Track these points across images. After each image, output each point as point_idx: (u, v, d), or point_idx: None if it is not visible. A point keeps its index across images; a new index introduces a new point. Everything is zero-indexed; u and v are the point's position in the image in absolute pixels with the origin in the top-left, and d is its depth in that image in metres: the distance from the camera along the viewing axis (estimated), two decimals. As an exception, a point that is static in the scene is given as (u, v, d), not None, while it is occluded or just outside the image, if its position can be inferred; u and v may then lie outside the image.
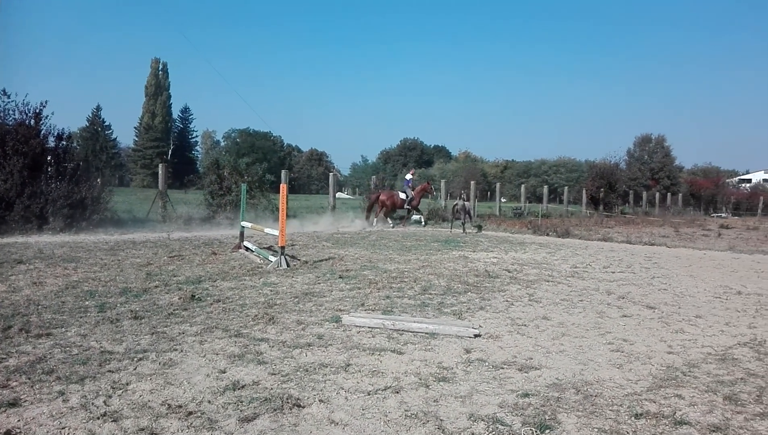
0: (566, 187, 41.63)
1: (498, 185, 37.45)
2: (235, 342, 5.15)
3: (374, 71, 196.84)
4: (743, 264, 12.75)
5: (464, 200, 19.95)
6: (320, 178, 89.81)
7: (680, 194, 52.56)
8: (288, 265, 9.52)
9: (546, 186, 41.14)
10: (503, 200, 49.51)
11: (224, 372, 4.33)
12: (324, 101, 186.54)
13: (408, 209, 21.80)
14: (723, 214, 48.09)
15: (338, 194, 44.22)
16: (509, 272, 10.02)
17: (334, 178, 25.58)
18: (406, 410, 3.71)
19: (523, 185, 41.61)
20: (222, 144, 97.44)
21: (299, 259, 10.63)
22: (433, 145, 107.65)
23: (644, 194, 46.95)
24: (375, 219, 21.38)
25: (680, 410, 3.84)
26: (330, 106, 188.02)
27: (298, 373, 4.38)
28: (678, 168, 64.01)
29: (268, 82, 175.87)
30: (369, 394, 3.97)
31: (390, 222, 21.35)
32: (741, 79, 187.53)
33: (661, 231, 24.39)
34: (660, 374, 4.63)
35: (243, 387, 4.02)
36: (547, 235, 19.68)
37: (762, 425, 3.63)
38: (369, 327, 5.81)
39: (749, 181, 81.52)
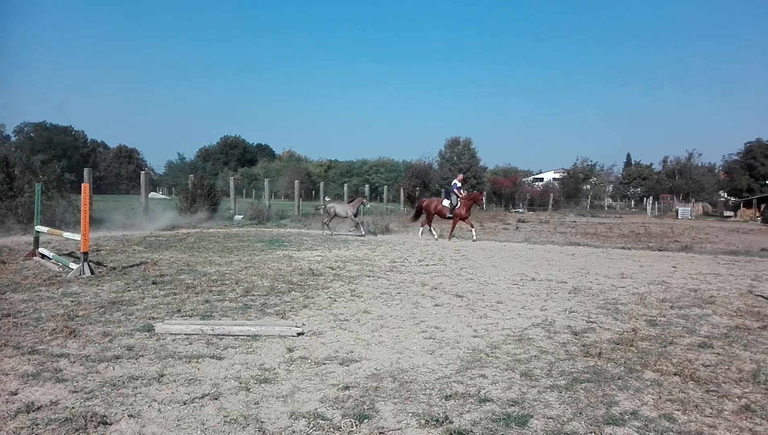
0: (386, 186, 43.40)
1: (322, 184, 37.86)
2: (29, 360, 4.57)
3: (190, 65, 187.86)
4: (537, 254, 14.37)
5: (340, 203, 20.60)
6: (131, 177, 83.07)
7: (484, 192, 57.64)
8: (92, 273, 8.69)
9: (367, 185, 42.48)
10: (327, 199, 50.21)
11: (16, 394, 3.83)
12: (134, 93, 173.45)
13: (451, 218, 19.30)
14: (520, 210, 53.73)
15: (152, 194, 41.42)
16: (333, 269, 10.20)
17: (146, 177, 23.86)
18: (225, 416, 3.60)
19: (346, 184, 42.53)
20: (13, 139, 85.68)
21: (106, 266, 9.77)
22: (256, 144, 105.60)
23: (454, 192, 50.72)
24: (427, 228, 19.63)
25: (484, 389, 4.21)
26: (141, 99, 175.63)
27: (105, 388, 4.02)
28: (483, 168, 69.91)
29: (68, 71, 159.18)
30: (185, 404, 3.78)
31: (434, 233, 19.30)
32: (533, 86, 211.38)
33: (468, 226, 26.48)
34: (467, 357, 5.04)
35: (39, 408, 3.59)
36: (369, 232, 20.36)
37: (552, 396, 4.11)
38: (186, 334, 5.52)
39: (542, 180, 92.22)
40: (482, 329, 6.11)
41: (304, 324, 6.02)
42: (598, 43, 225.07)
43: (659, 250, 16.39)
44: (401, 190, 41.23)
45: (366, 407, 3.77)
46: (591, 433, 3.48)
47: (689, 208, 54.73)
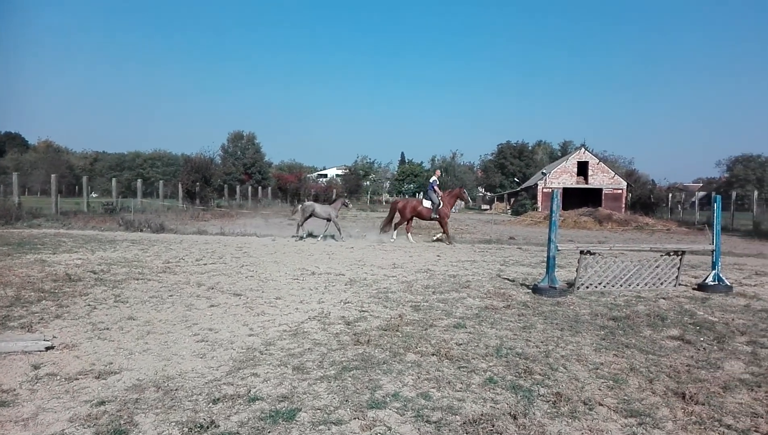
0: (161, 181, 40.73)
1: (85, 179, 34.07)
2: None
3: None
4: (318, 248, 14.70)
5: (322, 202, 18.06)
6: None
7: (270, 188, 57.36)
8: None
9: (140, 180, 39.40)
10: (94, 195, 45.57)
11: None
12: None
13: (437, 220, 17.32)
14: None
15: None
16: (95, 274, 9.24)
17: None
18: (-58, 454, 3.04)
19: (115, 179, 38.98)
20: None
21: None
22: (4, 132, 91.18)
23: (238, 188, 49.59)
24: (394, 231, 17.49)
25: (255, 387, 4.17)
26: None
27: None
28: (268, 164, 69.63)
29: None
30: None
31: (406, 234, 17.50)
32: (316, 83, 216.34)
33: (252, 222, 26.20)
34: (240, 357, 4.95)
35: None
36: (141, 230, 18.95)
37: (321, 387, 4.21)
38: None
39: (326, 176, 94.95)
40: (258, 327, 6.06)
41: (55, 337, 5.36)
42: (374, 47, 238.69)
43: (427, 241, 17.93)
44: (179, 186, 39.05)
45: (123, 422, 3.48)
46: (355, 418, 3.65)
47: (454, 203, 60.88)
